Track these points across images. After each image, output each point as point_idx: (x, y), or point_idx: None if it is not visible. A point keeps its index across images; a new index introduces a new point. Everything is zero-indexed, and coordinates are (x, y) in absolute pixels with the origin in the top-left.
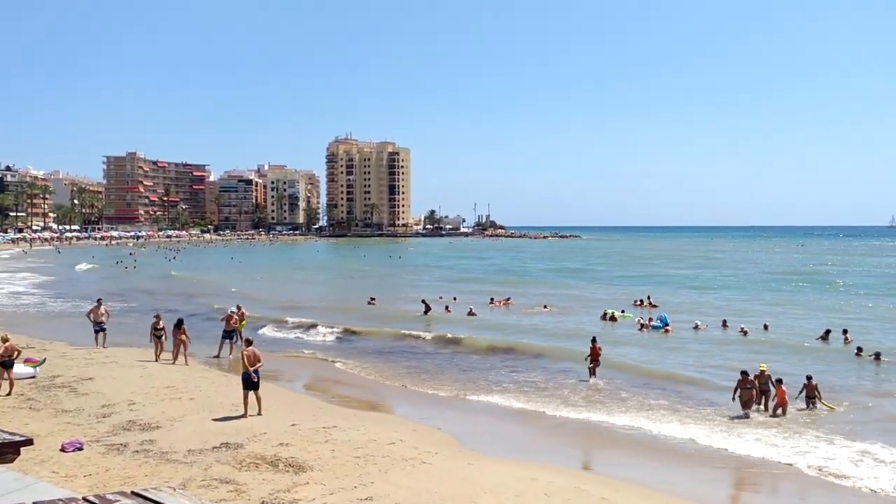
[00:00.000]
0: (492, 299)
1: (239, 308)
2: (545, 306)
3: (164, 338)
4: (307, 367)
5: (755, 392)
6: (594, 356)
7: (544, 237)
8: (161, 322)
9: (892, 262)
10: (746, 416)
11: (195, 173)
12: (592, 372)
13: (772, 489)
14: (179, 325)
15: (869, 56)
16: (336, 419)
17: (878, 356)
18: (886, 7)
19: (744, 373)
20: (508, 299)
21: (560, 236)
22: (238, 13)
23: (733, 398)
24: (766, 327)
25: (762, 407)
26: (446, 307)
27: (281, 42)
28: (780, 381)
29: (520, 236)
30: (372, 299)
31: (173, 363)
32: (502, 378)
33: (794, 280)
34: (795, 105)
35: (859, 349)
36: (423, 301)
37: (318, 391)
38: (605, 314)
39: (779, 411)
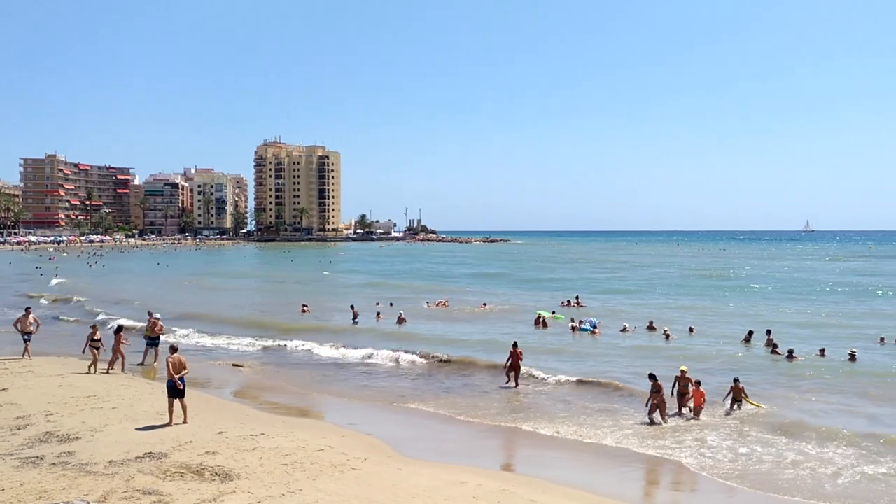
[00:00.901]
0: (427, 302)
1: (150, 314)
2: (484, 304)
3: (101, 349)
4: (236, 375)
5: (680, 394)
6: (514, 362)
7: (475, 241)
8: (98, 333)
9: (806, 265)
10: (651, 423)
11: (119, 176)
12: (511, 378)
13: (678, 488)
14: (119, 331)
15: (786, 68)
16: (264, 426)
17: (790, 354)
18: (802, 12)
19: (651, 376)
20: (445, 301)
21: (490, 241)
22: (167, 13)
23: (646, 404)
24: (691, 330)
25: (686, 409)
26: (377, 314)
27: (209, 43)
28: (698, 383)
29: (451, 240)
30: (305, 306)
31: (108, 372)
32: (431, 386)
33: (716, 283)
34: (720, 114)
35: (774, 345)
36: (351, 307)
37: (246, 398)
38: (538, 319)
39: (700, 413)
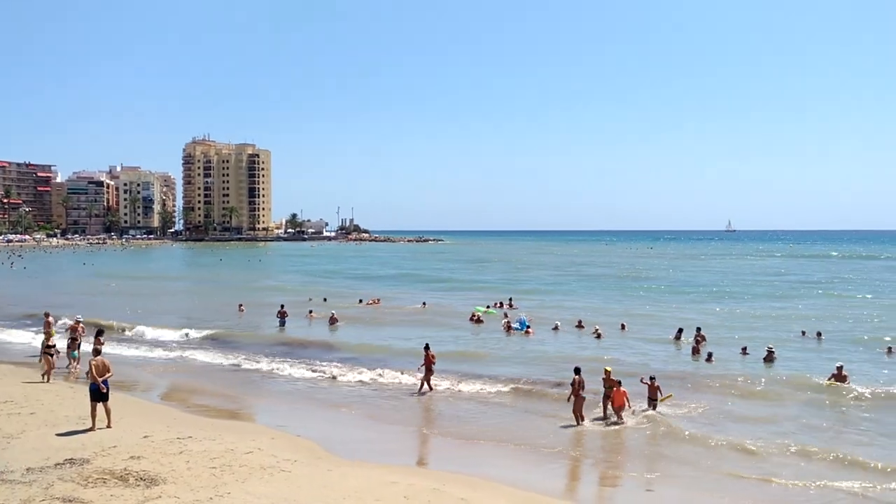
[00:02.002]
0: (361, 299)
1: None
2: (424, 304)
3: (55, 356)
4: (164, 377)
5: (605, 395)
6: (427, 365)
7: (406, 241)
8: (52, 339)
9: (728, 265)
10: (576, 424)
11: (40, 174)
12: (425, 381)
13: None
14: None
15: (714, 65)
16: (192, 429)
17: (709, 356)
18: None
19: (577, 370)
20: (378, 300)
21: (423, 240)
22: (92, 5)
23: (568, 399)
24: (623, 327)
25: (610, 410)
26: (309, 312)
27: (136, 37)
28: (619, 384)
29: (383, 240)
30: (241, 306)
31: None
32: (358, 389)
33: (637, 283)
34: (644, 115)
35: (698, 342)
36: (281, 307)
37: (174, 401)
38: (472, 316)
39: (621, 413)
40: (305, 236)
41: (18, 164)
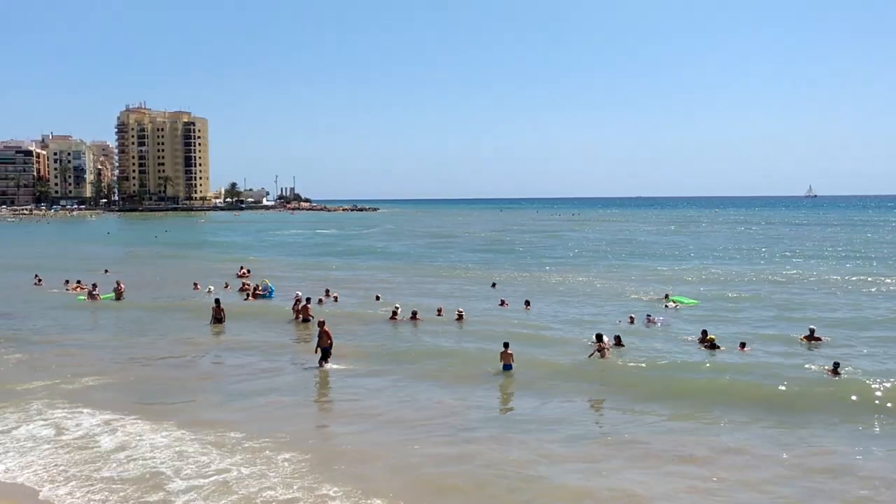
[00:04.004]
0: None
1: None
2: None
3: None
4: None
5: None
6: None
7: (342, 210)
8: None
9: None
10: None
11: None
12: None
13: None
14: None
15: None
16: None
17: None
18: None
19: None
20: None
21: (358, 209)
22: None
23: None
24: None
25: None
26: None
27: (67, 6)
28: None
29: (320, 209)
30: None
31: None
32: None
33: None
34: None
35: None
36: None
37: None
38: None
39: None
40: (244, 206)
41: None
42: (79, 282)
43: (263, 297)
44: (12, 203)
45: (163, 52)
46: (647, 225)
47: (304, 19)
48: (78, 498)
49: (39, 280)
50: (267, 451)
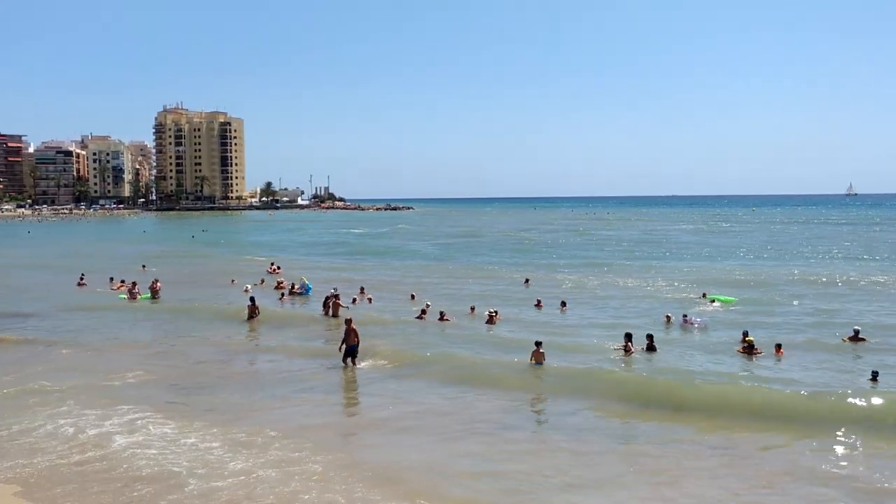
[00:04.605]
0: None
1: None
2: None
3: None
4: None
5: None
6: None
7: (375, 209)
8: None
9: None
10: None
11: (10, 144)
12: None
13: None
14: None
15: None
16: None
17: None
18: None
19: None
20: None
21: (392, 208)
22: None
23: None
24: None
25: None
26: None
27: (106, 8)
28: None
29: (353, 208)
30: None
31: None
32: None
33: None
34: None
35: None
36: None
37: None
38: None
39: None
40: (279, 205)
41: None
42: (122, 281)
43: (301, 294)
44: (53, 202)
45: (200, 54)
46: (685, 224)
47: (343, 20)
48: (93, 493)
49: (83, 280)
50: (297, 453)
